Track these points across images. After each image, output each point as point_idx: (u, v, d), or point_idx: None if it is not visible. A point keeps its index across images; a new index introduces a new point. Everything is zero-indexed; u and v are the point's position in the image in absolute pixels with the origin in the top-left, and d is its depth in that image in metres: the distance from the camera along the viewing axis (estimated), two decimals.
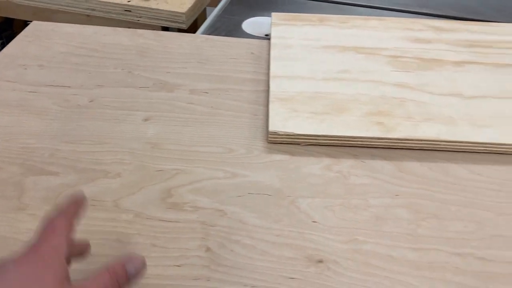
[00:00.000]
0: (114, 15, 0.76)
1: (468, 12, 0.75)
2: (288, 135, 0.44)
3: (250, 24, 0.68)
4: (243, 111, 0.49)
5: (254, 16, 0.70)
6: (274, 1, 0.76)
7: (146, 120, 0.47)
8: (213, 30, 0.67)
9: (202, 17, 0.87)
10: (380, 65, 0.54)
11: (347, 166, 0.42)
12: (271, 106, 0.47)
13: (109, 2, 0.75)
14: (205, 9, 0.92)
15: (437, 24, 0.63)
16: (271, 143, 0.44)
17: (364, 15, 0.72)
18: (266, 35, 0.65)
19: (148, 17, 0.75)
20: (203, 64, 0.56)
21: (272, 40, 0.58)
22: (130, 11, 0.75)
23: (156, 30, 0.78)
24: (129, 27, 0.79)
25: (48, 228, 0.28)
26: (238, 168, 0.42)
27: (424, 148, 0.44)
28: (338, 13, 0.73)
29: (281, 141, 0.44)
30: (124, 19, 0.76)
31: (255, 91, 0.52)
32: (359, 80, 0.52)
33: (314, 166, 0.42)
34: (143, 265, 0.28)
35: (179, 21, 0.74)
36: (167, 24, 0.75)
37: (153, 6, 0.74)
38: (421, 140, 0.44)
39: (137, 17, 0.75)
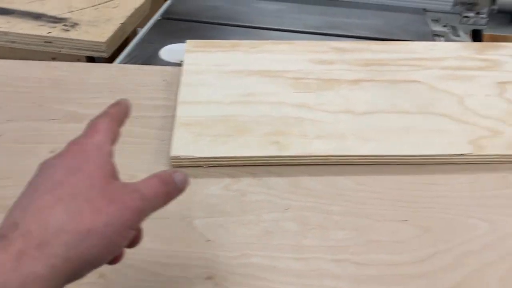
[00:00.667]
0: (35, 47, 0.77)
1: (374, 32, 0.81)
2: (189, 158, 0.46)
3: (167, 51, 0.71)
4: (150, 137, 0.51)
5: (171, 44, 0.73)
6: (193, 28, 0.79)
7: (52, 152, 0.48)
8: (131, 59, 0.69)
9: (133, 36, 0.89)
10: (283, 87, 0.58)
11: (245, 185, 0.45)
12: (175, 131, 0.49)
13: (29, 34, 0.76)
14: (135, 30, 0.93)
15: (341, 45, 0.68)
16: (174, 167, 0.47)
17: (279, 39, 0.77)
18: (182, 61, 0.68)
19: (69, 47, 0.76)
20: (115, 93, 0.58)
21: (184, 67, 0.61)
22: (51, 42, 0.76)
23: (81, 59, 0.79)
24: (53, 58, 0.80)
25: (91, 127, 0.28)
26: None
27: (316, 164, 0.48)
28: (255, 38, 0.77)
29: (184, 165, 0.47)
30: (46, 50, 0.77)
31: (164, 117, 0.54)
32: (262, 102, 0.55)
33: (214, 187, 0.45)
34: (186, 177, 0.29)
35: (100, 50, 0.75)
36: (89, 54, 0.77)
37: (74, 37, 0.75)
38: (313, 156, 0.47)
39: (58, 48, 0.76)
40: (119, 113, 0.31)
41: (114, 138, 0.29)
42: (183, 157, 0.46)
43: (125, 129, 0.52)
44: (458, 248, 0.39)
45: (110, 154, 0.28)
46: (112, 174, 0.27)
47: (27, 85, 0.58)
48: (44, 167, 0.26)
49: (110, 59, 0.78)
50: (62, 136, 0.51)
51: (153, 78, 0.61)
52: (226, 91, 0.57)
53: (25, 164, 0.46)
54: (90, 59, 0.80)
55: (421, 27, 0.83)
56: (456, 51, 0.68)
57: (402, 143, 0.49)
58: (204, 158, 0.46)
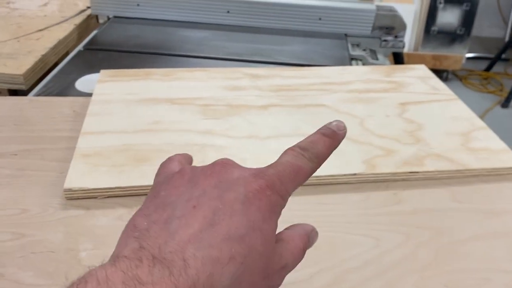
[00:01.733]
0: None
1: (294, 58, 0.83)
2: (83, 190, 0.46)
3: (83, 82, 0.71)
4: (49, 170, 0.50)
5: (91, 73, 0.73)
6: (115, 57, 0.79)
7: None
8: (46, 89, 0.69)
9: None
10: (192, 114, 0.59)
11: None
12: (72, 162, 0.49)
13: None
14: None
15: (256, 72, 0.70)
16: (69, 199, 0.46)
17: (199, 66, 0.78)
18: None
19: None
20: (20, 126, 0.57)
21: (93, 97, 0.61)
22: None
23: (3, 92, 0.78)
24: None
25: (296, 166, 0.25)
26: (28, 228, 0.43)
27: None
28: (175, 66, 0.78)
29: (78, 196, 0.46)
30: None
31: (67, 149, 0.53)
32: (169, 130, 0.56)
33: (107, 218, 0.45)
34: (317, 237, 0.28)
35: (17, 82, 0.74)
36: (8, 86, 0.76)
37: None
38: None
39: None
40: (328, 153, 0.27)
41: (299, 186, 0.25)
42: (76, 189, 0.46)
43: (26, 162, 0.51)
44: (340, 265, 0.40)
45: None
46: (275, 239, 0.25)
47: None
48: (229, 194, 0.23)
49: (29, 91, 0.77)
50: None
51: (63, 109, 0.61)
52: (132, 120, 0.57)
53: None
54: (13, 92, 0.79)
55: (339, 52, 0.87)
56: (365, 74, 0.71)
57: None
58: (98, 189, 0.46)
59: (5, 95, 0.79)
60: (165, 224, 0.22)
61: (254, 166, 0.50)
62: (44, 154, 0.52)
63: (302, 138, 0.56)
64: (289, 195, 0.25)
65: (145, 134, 0.55)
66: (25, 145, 0.54)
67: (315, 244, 0.42)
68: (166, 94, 0.63)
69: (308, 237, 0.27)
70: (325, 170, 0.52)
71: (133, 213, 0.45)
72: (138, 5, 0.93)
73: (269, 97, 0.64)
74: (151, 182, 0.48)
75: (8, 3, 1.02)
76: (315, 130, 0.57)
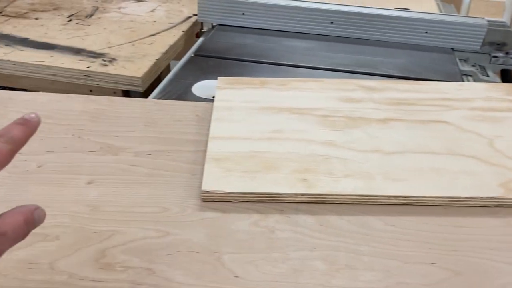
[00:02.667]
0: (75, 80, 0.81)
1: (401, 71, 0.82)
2: (219, 193, 0.48)
3: (199, 87, 0.73)
4: (182, 171, 0.52)
5: (203, 80, 0.76)
6: (224, 65, 0.82)
7: (89, 183, 0.50)
8: (165, 94, 0.72)
9: (167, 71, 0.92)
10: (311, 124, 0.59)
11: (273, 221, 0.46)
12: (206, 166, 0.51)
13: (69, 68, 0.80)
14: (169, 65, 0.97)
15: (369, 83, 0.69)
16: (204, 201, 0.48)
17: (308, 76, 0.79)
18: (213, 97, 0.70)
19: (106, 81, 0.80)
20: (149, 127, 0.60)
21: (215, 103, 0.63)
22: (89, 76, 0.80)
23: (117, 92, 0.83)
24: (90, 90, 0.84)
25: None
26: (171, 227, 0.45)
27: (344, 202, 0.48)
28: (284, 75, 0.79)
29: (214, 199, 0.48)
30: (84, 84, 0.81)
31: (195, 152, 0.56)
32: (290, 139, 0.56)
33: (243, 222, 0.46)
34: (44, 214, 0.31)
35: (135, 84, 0.79)
36: (125, 88, 0.80)
37: (111, 72, 0.79)
38: (340, 195, 0.48)
39: (96, 81, 0.80)
40: (24, 137, 0.31)
41: (3, 167, 0.30)
42: (213, 192, 0.47)
43: (160, 162, 0.54)
44: None
45: None
46: None
47: (67, 118, 0.61)
48: None
49: (144, 93, 0.82)
50: (99, 167, 0.54)
51: (186, 113, 0.64)
52: (255, 127, 0.58)
53: (64, 194, 0.49)
54: (125, 93, 0.84)
55: (449, 67, 0.84)
56: (484, 92, 0.68)
57: (430, 184, 0.49)
58: (234, 193, 0.48)
59: (119, 96, 0.84)
60: None
61: (384, 183, 0.50)
62: (175, 155, 0.55)
63: (429, 156, 0.55)
64: None
65: (269, 142, 0.55)
66: (156, 146, 0.56)
67: (460, 269, 0.40)
68: (284, 103, 0.63)
69: (31, 213, 0.30)
70: (460, 191, 0.50)
71: (266, 219, 0.47)
72: (243, 14, 0.95)
73: (387, 110, 0.63)
74: (282, 190, 0.49)
75: (119, 8, 1.08)
76: (440, 148, 0.56)
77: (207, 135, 0.58)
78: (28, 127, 0.31)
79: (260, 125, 0.59)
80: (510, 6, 1.99)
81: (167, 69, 0.99)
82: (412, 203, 0.48)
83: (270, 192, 0.48)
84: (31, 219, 0.30)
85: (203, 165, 0.53)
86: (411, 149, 0.55)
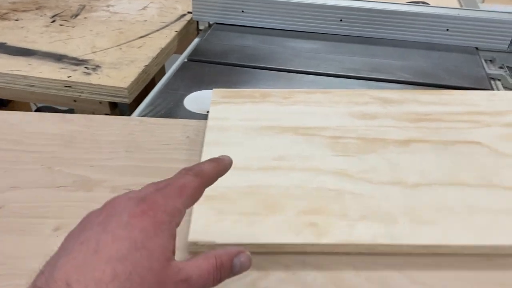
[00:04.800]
0: (55, 91, 0.73)
1: (420, 76, 0.73)
2: (210, 245, 0.39)
3: (192, 100, 0.65)
4: None
5: (198, 90, 0.67)
6: (221, 71, 0.73)
7: (56, 229, 0.42)
8: (153, 108, 0.64)
9: (161, 73, 0.84)
10: (319, 148, 0.51)
11: (276, 280, 0.38)
12: (195, 207, 0.43)
13: (48, 79, 0.72)
14: (163, 67, 0.89)
15: (385, 95, 0.60)
16: (194, 253, 0.40)
17: (314, 83, 0.70)
18: (208, 112, 0.62)
19: (89, 92, 0.72)
20: (132, 153, 0.52)
21: (209, 122, 0.55)
22: (70, 87, 0.72)
23: (104, 103, 0.74)
24: (74, 101, 0.76)
25: (177, 182, 0.27)
26: None
27: (361, 253, 0.40)
28: (288, 82, 0.71)
29: (203, 251, 0.40)
30: (65, 95, 0.73)
31: None
32: (296, 168, 0.48)
33: (238, 283, 0.38)
34: (249, 262, 0.28)
35: (121, 96, 0.70)
36: (110, 99, 0.72)
37: (94, 82, 0.71)
38: (357, 245, 0.40)
39: (78, 92, 0.72)
40: (214, 173, 0.30)
41: (194, 203, 0.29)
42: (202, 243, 0.39)
43: None
44: None
45: (178, 225, 0.27)
46: (171, 254, 0.26)
47: (38, 143, 0.53)
48: (112, 224, 0.25)
49: (133, 103, 0.73)
50: (70, 207, 0.46)
51: (175, 134, 0.55)
52: (254, 153, 0.50)
53: (25, 245, 0.41)
54: (113, 103, 0.75)
55: (474, 70, 0.74)
56: None
57: (466, 228, 0.41)
58: (226, 245, 0.39)
59: (105, 106, 0.76)
60: (54, 262, 0.24)
61: (408, 229, 0.41)
62: None
63: (460, 189, 0.46)
64: (180, 210, 0.27)
65: (271, 173, 0.47)
66: (138, 178, 0.48)
67: None
68: (287, 122, 0.55)
69: (229, 257, 0.28)
70: (503, 238, 0.41)
71: (267, 278, 0.38)
72: (242, 11, 0.86)
73: (408, 129, 0.54)
74: (284, 240, 0.40)
75: (108, 6, 0.99)
76: (473, 178, 0.47)
77: (199, 162, 0.50)
78: (219, 165, 0.31)
79: (261, 151, 0.50)
80: None
81: (162, 72, 0.90)
82: (445, 253, 0.40)
83: (272, 243, 0.40)
84: (226, 266, 0.28)
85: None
86: (438, 180, 0.46)
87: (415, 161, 0.49)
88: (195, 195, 0.28)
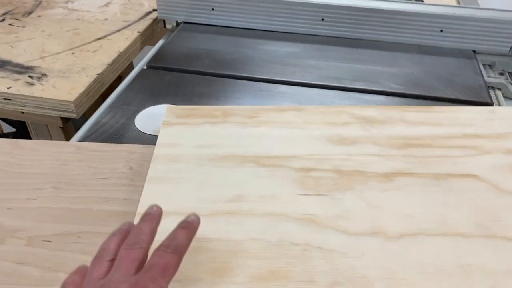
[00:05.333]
0: None
1: (410, 86, 0.64)
2: None
3: (144, 118, 0.56)
4: None
5: (153, 104, 0.58)
6: (183, 80, 0.64)
7: None
8: (98, 128, 0.55)
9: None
10: (286, 185, 0.42)
11: None
12: None
13: None
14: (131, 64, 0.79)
15: (367, 113, 0.52)
16: None
17: (288, 95, 0.61)
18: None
19: (32, 106, 0.62)
20: (60, 191, 0.43)
21: (156, 150, 0.46)
22: (10, 100, 0.63)
23: (55, 116, 0.65)
24: (22, 112, 0.66)
25: (162, 264, 0.28)
26: None
27: None
28: (258, 94, 0.62)
29: None
30: (5, 108, 0.64)
31: None
32: (256, 213, 0.39)
33: None
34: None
35: (68, 110, 0.61)
36: (55, 114, 0.63)
37: (37, 94, 0.62)
38: None
39: (19, 106, 0.63)
40: (188, 242, 0.31)
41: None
42: None
43: (63, 256, 0.37)
44: None
45: None
46: None
47: None
48: None
49: (90, 112, 0.64)
50: None
51: (115, 164, 0.46)
52: (206, 192, 0.41)
53: None
54: (65, 118, 0.66)
55: (471, 77, 0.66)
56: None
57: None
58: None
59: (57, 121, 0.67)
60: None
61: None
62: (86, 243, 0.38)
63: (456, 241, 0.37)
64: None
65: (224, 221, 0.39)
66: (63, 225, 0.40)
67: None
68: (250, 149, 0.46)
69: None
70: None
71: None
72: (212, 9, 0.76)
73: (393, 157, 0.46)
74: None
75: (66, 2, 0.89)
76: (471, 225, 0.39)
77: (139, 202, 0.41)
78: (190, 231, 0.32)
79: (215, 189, 0.42)
80: None
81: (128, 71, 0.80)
82: None
83: None
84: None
85: None
86: (426, 229, 0.38)
87: (399, 202, 0.40)
88: (175, 271, 0.29)
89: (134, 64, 0.75)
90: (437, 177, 0.43)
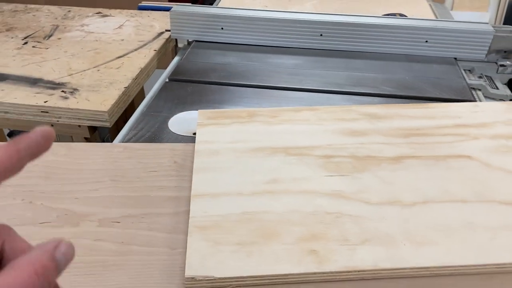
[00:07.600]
0: (31, 117, 0.70)
1: (403, 88, 0.73)
2: (208, 280, 0.38)
3: (177, 122, 0.63)
4: (158, 245, 0.42)
5: (181, 111, 0.66)
6: (204, 90, 0.72)
7: None
8: (136, 132, 0.62)
9: (140, 96, 0.82)
10: (312, 169, 0.50)
11: None
12: (189, 239, 0.41)
13: (23, 104, 0.69)
14: (142, 89, 0.87)
15: (372, 110, 0.60)
16: None
17: (298, 100, 0.69)
18: (194, 133, 0.60)
19: (68, 117, 0.69)
20: (117, 182, 0.50)
21: (197, 147, 0.53)
22: (47, 112, 0.69)
23: (83, 127, 0.72)
24: (51, 125, 0.73)
25: None
26: None
27: (364, 278, 0.39)
28: (272, 100, 0.70)
29: (202, 286, 0.38)
30: (42, 120, 0.70)
31: (175, 214, 0.46)
32: (290, 191, 0.47)
33: None
34: (72, 249, 0.22)
35: (102, 119, 0.68)
36: (89, 123, 0.69)
37: (73, 106, 0.68)
38: (359, 271, 0.38)
39: (56, 117, 0.69)
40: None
41: None
42: (200, 278, 0.37)
43: (131, 233, 0.44)
44: None
45: None
46: None
47: (17, 175, 0.50)
48: None
49: (114, 127, 0.71)
50: None
51: (162, 160, 0.53)
52: (246, 178, 0.48)
53: None
54: (92, 127, 0.73)
55: (455, 80, 0.75)
56: (504, 114, 0.60)
57: (466, 247, 0.40)
58: (227, 278, 0.38)
59: (84, 130, 0.73)
60: None
61: (409, 251, 0.40)
62: (150, 222, 0.45)
63: (457, 206, 0.46)
64: None
65: (265, 198, 0.46)
66: (127, 209, 0.46)
67: None
68: (277, 142, 0.54)
69: (49, 256, 0.21)
70: (505, 255, 0.41)
71: None
72: (222, 28, 0.85)
73: (398, 145, 0.54)
74: (284, 270, 0.39)
75: (82, 25, 0.97)
76: (468, 193, 0.47)
77: (189, 188, 0.48)
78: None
79: (253, 174, 0.49)
80: (495, 0, 1.93)
81: (141, 94, 0.88)
82: (446, 273, 0.39)
83: (272, 275, 0.38)
84: (50, 267, 0.20)
85: (186, 234, 0.43)
86: (434, 198, 0.46)
87: (409, 179, 0.48)
88: None
89: (152, 79, 0.82)
90: (437, 158, 0.52)
